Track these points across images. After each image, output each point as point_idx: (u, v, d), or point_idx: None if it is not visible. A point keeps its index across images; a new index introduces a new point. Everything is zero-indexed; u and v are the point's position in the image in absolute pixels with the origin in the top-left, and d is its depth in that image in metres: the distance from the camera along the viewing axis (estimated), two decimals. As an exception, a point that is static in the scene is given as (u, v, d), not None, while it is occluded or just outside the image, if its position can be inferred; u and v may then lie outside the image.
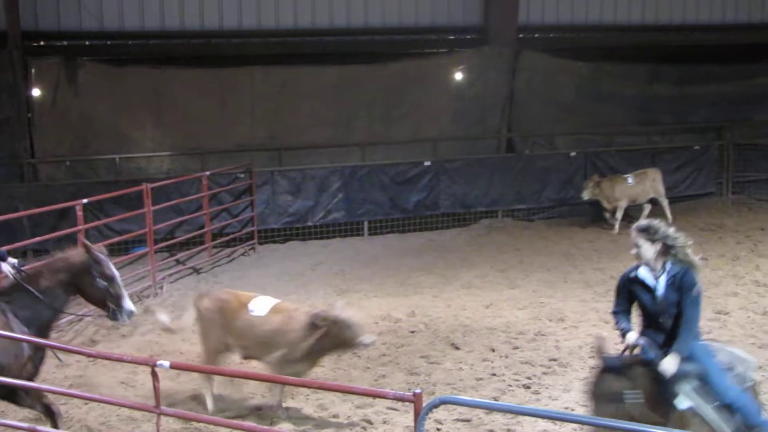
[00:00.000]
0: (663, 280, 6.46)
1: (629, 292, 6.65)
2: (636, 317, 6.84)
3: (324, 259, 16.67)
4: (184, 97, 18.91)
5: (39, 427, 7.07)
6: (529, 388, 9.48)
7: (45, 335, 7.84)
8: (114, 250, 14.57)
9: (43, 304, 7.72)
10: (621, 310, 6.72)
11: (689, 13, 22.55)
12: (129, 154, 18.66)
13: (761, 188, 20.98)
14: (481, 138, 20.90)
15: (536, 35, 21.41)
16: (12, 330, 7.48)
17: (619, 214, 18.29)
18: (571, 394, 9.09)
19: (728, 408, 6.16)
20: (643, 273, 6.55)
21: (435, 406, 5.46)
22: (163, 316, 9.79)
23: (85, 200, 13.32)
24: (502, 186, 19.52)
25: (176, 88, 18.95)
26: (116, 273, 8.04)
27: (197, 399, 9.45)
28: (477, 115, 20.75)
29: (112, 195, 14.92)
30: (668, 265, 6.46)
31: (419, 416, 5.38)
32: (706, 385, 6.21)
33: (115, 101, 18.51)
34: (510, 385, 9.60)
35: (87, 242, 8.14)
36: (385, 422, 8.70)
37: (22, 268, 7.95)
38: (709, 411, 6.13)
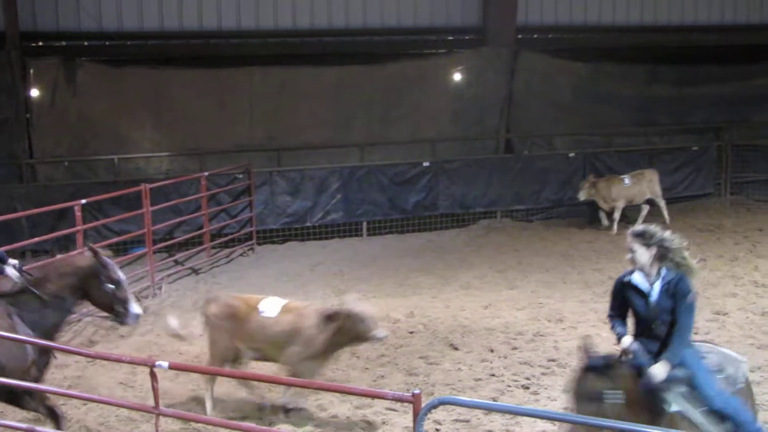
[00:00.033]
0: (657, 287, 6.40)
1: (623, 296, 6.61)
2: (630, 323, 6.83)
3: (323, 260, 16.67)
4: (183, 97, 18.90)
5: (38, 428, 7.07)
6: (527, 388, 9.48)
7: (51, 340, 7.83)
8: (113, 251, 14.55)
9: (50, 308, 7.74)
10: (616, 314, 6.69)
11: (688, 14, 22.57)
12: (128, 154, 18.65)
13: (759, 189, 21.00)
14: (479, 138, 20.91)
15: (535, 36, 21.41)
16: (17, 334, 7.48)
17: (616, 215, 18.30)
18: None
19: (717, 414, 6.14)
20: (637, 278, 6.49)
21: (434, 406, 5.47)
22: (174, 322, 9.75)
23: (83, 201, 13.32)
24: (500, 187, 19.53)
25: (175, 88, 18.95)
26: (123, 277, 8.11)
27: (196, 399, 9.45)
28: (476, 116, 20.75)
29: (111, 195, 14.92)
30: (663, 271, 6.41)
31: (418, 417, 5.38)
32: (694, 390, 6.19)
33: (113, 102, 18.50)
34: (509, 386, 9.60)
35: (94, 246, 8.16)
36: (384, 423, 8.70)
37: (24, 269, 7.95)
38: (697, 415, 6.11)
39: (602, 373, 5.95)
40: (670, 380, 6.17)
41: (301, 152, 19.62)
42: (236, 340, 8.97)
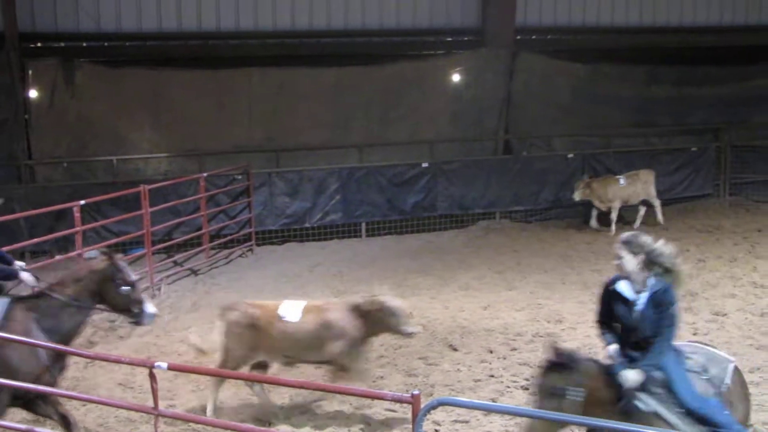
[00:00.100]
0: (644, 297, 6.36)
1: (609, 303, 6.61)
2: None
3: (322, 261, 16.66)
4: (182, 98, 18.90)
5: (37, 429, 7.06)
6: (527, 389, 9.46)
7: (68, 345, 7.85)
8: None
9: (68, 312, 7.76)
10: (605, 320, 6.68)
11: (686, 15, 22.59)
12: (126, 155, 18.65)
13: (758, 190, 21.01)
14: (478, 140, 20.92)
15: (533, 37, 21.42)
16: (33, 339, 7.50)
17: (614, 215, 18.32)
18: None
19: (694, 415, 6.14)
20: (623, 287, 6.45)
21: (433, 407, 5.46)
22: (195, 338, 9.72)
23: (82, 201, 13.33)
24: (499, 188, 19.53)
25: (174, 89, 18.95)
26: (136, 278, 8.18)
27: (195, 400, 9.45)
28: (474, 117, 20.76)
29: (110, 196, 14.94)
30: (651, 281, 6.36)
31: (417, 418, 5.38)
32: (670, 392, 6.19)
33: (112, 102, 18.50)
34: (508, 387, 9.60)
35: (109, 251, 8.21)
36: (383, 423, 8.70)
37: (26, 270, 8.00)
38: (672, 417, 6.11)
39: (566, 371, 5.95)
40: (645, 382, 6.18)
41: (300, 153, 19.63)
42: (258, 349, 8.94)
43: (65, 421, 7.73)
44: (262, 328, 8.86)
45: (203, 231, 16.49)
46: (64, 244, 14.82)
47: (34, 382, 7.39)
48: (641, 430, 5.39)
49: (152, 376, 6.49)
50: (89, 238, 15.06)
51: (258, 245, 17.66)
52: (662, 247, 6.47)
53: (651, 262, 6.37)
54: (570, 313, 12.34)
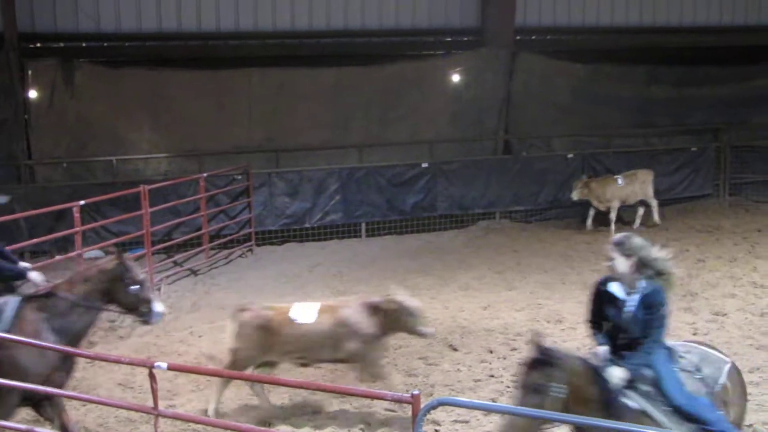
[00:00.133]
0: (635, 299, 6.35)
1: (600, 304, 6.60)
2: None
3: (321, 261, 16.66)
4: (181, 98, 18.90)
5: (37, 429, 7.05)
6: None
7: (78, 345, 7.89)
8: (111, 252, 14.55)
9: (77, 312, 7.77)
10: (596, 320, 6.68)
11: (686, 15, 22.58)
12: (126, 155, 18.64)
13: (758, 190, 21.02)
14: (478, 140, 20.92)
15: (533, 37, 21.42)
16: (42, 340, 7.49)
17: (612, 215, 18.33)
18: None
19: (682, 413, 6.14)
20: (615, 288, 6.46)
21: (433, 407, 5.46)
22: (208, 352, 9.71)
23: (82, 202, 13.31)
24: (499, 188, 19.53)
25: (173, 89, 18.94)
26: (144, 278, 8.22)
27: (195, 400, 9.45)
28: (474, 117, 20.75)
29: (110, 197, 14.93)
30: (642, 284, 6.35)
31: (417, 418, 5.38)
32: (659, 390, 6.19)
33: (111, 103, 18.49)
34: (508, 387, 9.57)
35: (118, 250, 8.24)
36: (383, 424, 8.70)
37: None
38: (658, 414, 6.10)
39: (548, 367, 5.94)
40: (633, 380, 6.18)
41: (300, 153, 19.63)
42: (269, 351, 8.94)
43: (64, 429, 7.73)
44: (273, 331, 8.86)
45: (203, 231, 16.49)
46: (64, 244, 14.82)
47: (44, 383, 7.40)
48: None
49: (152, 376, 6.49)
50: (89, 239, 15.06)
51: (258, 245, 17.66)
52: (655, 250, 6.46)
53: (643, 265, 6.36)
54: (570, 313, 12.33)
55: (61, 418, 7.75)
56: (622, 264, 6.40)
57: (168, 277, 15.14)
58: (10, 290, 7.88)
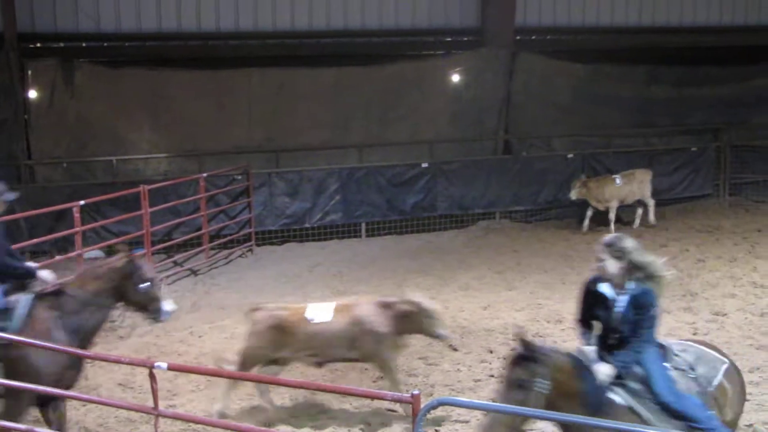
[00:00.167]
0: (624, 299, 6.34)
1: (590, 303, 6.59)
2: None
3: (321, 261, 16.66)
4: (181, 98, 18.89)
5: (37, 429, 7.05)
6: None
7: (89, 344, 7.91)
8: (111, 252, 14.55)
9: (89, 311, 7.78)
10: (584, 320, 6.67)
11: (686, 15, 22.58)
12: (126, 155, 18.64)
13: (758, 190, 21.03)
14: (478, 140, 20.92)
15: (533, 37, 21.41)
16: (53, 339, 7.52)
17: (612, 215, 18.33)
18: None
19: (670, 410, 6.13)
20: (605, 289, 6.45)
21: (433, 407, 5.45)
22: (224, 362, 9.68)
23: (82, 202, 13.32)
24: (499, 188, 19.53)
25: (173, 89, 18.94)
26: (154, 275, 8.25)
27: (195, 400, 9.45)
28: (474, 117, 20.75)
29: (110, 197, 14.93)
30: (631, 285, 6.34)
31: (417, 417, 5.37)
32: (648, 387, 6.19)
33: (112, 103, 18.48)
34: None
35: (128, 249, 8.27)
36: (383, 424, 8.70)
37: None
38: (645, 411, 6.10)
39: (532, 363, 5.94)
40: (622, 377, 6.18)
41: (300, 153, 19.63)
42: (285, 350, 8.96)
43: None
44: (287, 330, 8.88)
45: (203, 231, 16.49)
46: (64, 244, 14.80)
47: (56, 382, 7.42)
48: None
49: (152, 377, 6.48)
50: (89, 239, 15.06)
51: (258, 245, 17.65)
52: (645, 253, 6.44)
53: (633, 267, 6.35)
54: (570, 313, 12.24)
55: (61, 424, 7.77)
56: (612, 265, 6.39)
57: (168, 277, 15.13)
58: (22, 288, 7.85)
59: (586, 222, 18.42)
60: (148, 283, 8.02)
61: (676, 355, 6.49)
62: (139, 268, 8.00)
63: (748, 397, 8.06)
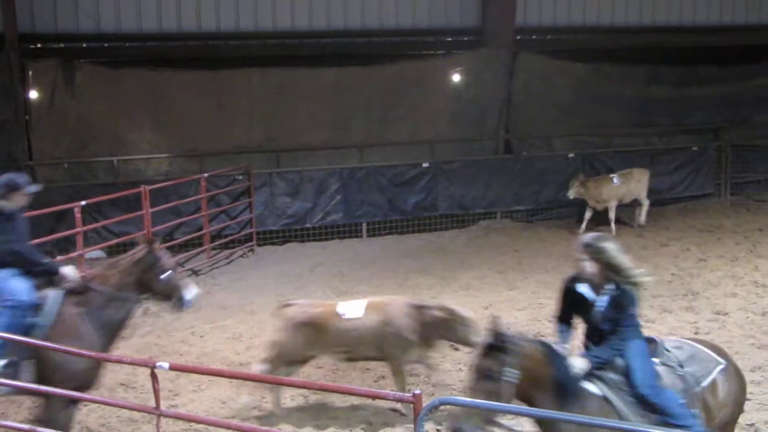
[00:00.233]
0: (604, 300, 6.33)
1: (571, 301, 6.59)
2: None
3: (322, 261, 16.66)
4: (182, 98, 18.89)
5: (39, 429, 7.05)
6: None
7: (115, 339, 7.97)
8: (112, 252, 14.57)
9: (114, 305, 7.82)
10: (563, 317, 6.66)
11: (687, 15, 22.58)
12: (127, 156, 18.64)
13: (759, 189, 21.05)
14: (478, 140, 20.91)
15: (533, 37, 21.41)
16: (82, 334, 7.58)
17: (611, 215, 18.32)
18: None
19: (647, 403, 6.11)
20: (584, 288, 6.45)
21: (434, 407, 5.45)
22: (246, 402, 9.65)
23: (83, 202, 13.34)
24: (500, 187, 19.53)
25: (174, 89, 18.93)
26: (174, 264, 8.32)
27: (197, 400, 9.45)
28: (475, 117, 20.75)
29: (111, 197, 14.94)
30: (611, 286, 6.32)
31: (419, 417, 5.38)
32: (627, 379, 6.18)
33: (112, 103, 18.47)
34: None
35: (148, 239, 8.32)
36: (384, 423, 8.70)
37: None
38: (619, 403, 6.08)
39: (501, 352, 5.92)
40: (598, 369, 6.17)
41: (300, 153, 19.63)
42: (315, 347, 8.98)
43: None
44: (319, 326, 8.87)
45: (204, 231, 16.49)
46: (65, 244, 14.82)
47: (87, 379, 7.53)
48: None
49: (154, 376, 6.48)
50: (90, 239, 15.08)
51: (259, 245, 17.66)
52: (623, 256, 6.37)
53: (610, 270, 6.32)
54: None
55: (68, 425, 7.78)
56: (590, 266, 6.37)
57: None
58: (49, 284, 7.86)
59: (584, 224, 18.36)
60: (170, 272, 8.07)
61: (668, 350, 6.46)
62: (160, 259, 8.04)
63: (749, 396, 8.07)
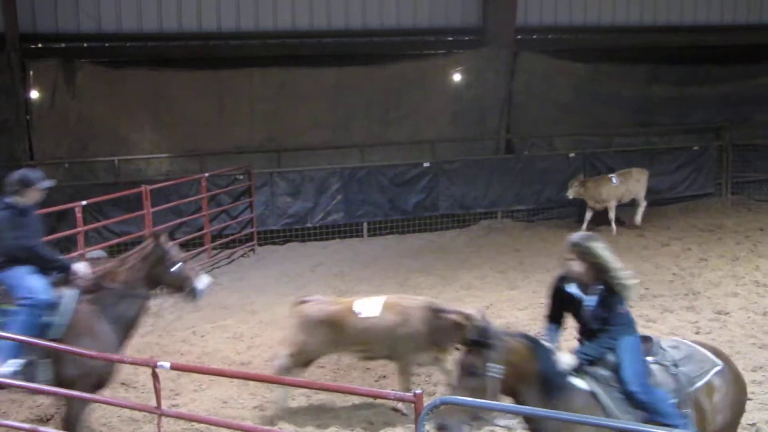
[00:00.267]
0: (593, 299, 6.32)
1: (561, 300, 6.57)
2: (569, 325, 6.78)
3: (323, 261, 16.66)
4: (183, 98, 18.89)
5: (40, 428, 7.06)
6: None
7: (131, 333, 8.03)
8: (113, 252, 14.57)
9: (127, 300, 7.86)
10: (553, 317, 6.64)
11: (687, 14, 22.59)
12: (128, 156, 18.65)
13: (760, 189, 21.04)
14: (479, 139, 20.92)
15: (534, 36, 21.42)
16: (98, 332, 7.63)
17: (611, 215, 18.33)
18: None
19: (635, 400, 6.08)
20: (573, 289, 6.43)
21: (436, 406, 5.44)
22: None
23: (84, 202, 13.36)
24: (501, 187, 19.53)
25: (174, 89, 18.94)
26: (183, 255, 8.35)
27: (198, 399, 9.45)
28: (475, 117, 20.75)
29: (111, 197, 14.93)
30: (599, 286, 6.30)
31: (420, 416, 5.37)
32: (617, 376, 6.16)
33: (113, 103, 18.48)
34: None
35: (154, 232, 8.32)
36: (386, 423, 8.70)
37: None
38: (606, 399, 6.07)
39: (484, 349, 5.90)
40: (588, 365, 6.16)
41: (301, 153, 19.63)
42: (334, 345, 8.97)
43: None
44: (337, 323, 8.85)
45: (205, 231, 16.49)
46: (66, 244, 14.79)
47: (104, 375, 7.61)
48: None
49: (155, 376, 6.48)
50: (91, 239, 15.07)
51: (260, 245, 17.66)
52: (610, 257, 6.33)
53: (597, 269, 6.30)
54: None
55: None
56: (577, 266, 6.36)
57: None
58: (64, 282, 7.88)
59: (585, 224, 18.33)
60: (180, 264, 8.09)
61: (663, 349, 6.44)
62: (168, 252, 8.06)
63: (750, 396, 8.07)
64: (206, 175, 16.55)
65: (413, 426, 5.48)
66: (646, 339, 6.48)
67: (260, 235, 17.78)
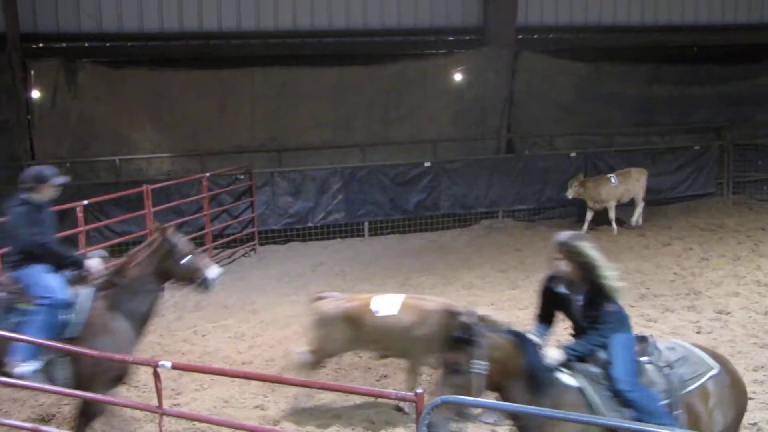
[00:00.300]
0: (581, 297, 6.33)
1: (550, 300, 6.56)
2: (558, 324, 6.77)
3: (324, 260, 16.66)
4: (184, 98, 18.89)
5: (42, 428, 7.06)
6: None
7: (144, 330, 8.01)
8: (114, 252, 14.57)
9: (139, 296, 7.85)
10: (543, 316, 6.64)
11: (688, 14, 22.58)
12: (129, 155, 18.65)
13: (761, 188, 21.03)
14: (480, 139, 20.91)
15: (535, 36, 21.41)
16: (114, 329, 7.64)
17: (612, 215, 18.32)
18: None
19: (623, 399, 6.06)
20: (561, 289, 6.42)
21: (437, 405, 5.45)
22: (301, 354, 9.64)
23: (85, 202, 13.34)
24: (502, 187, 19.53)
25: (175, 89, 18.94)
26: (192, 247, 8.29)
27: (199, 399, 9.45)
28: (476, 116, 20.75)
29: (113, 196, 14.95)
30: (585, 285, 6.30)
31: (421, 416, 5.37)
32: (607, 373, 6.15)
33: (114, 103, 18.48)
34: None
35: (160, 225, 8.27)
36: (387, 422, 8.70)
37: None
38: (594, 396, 6.05)
39: (468, 345, 5.89)
40: (576, 361, 6.15)
41: (302, 153, 19.63)
42: (350, 341, 8.96)
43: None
44: (355, 321, 8.84)
45: (206, 231, 16.49)
46: (67, 244, 14.80)
47: (122, 370, 7.65)
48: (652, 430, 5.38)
49: (156, 375, 6.48)
50: (92, 238, 15.07)
51: (261, 245, 17.67)
52: (597, 257, 6.32)
53: (584, 269, 6.30)
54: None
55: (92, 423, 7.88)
56: (565, 265, 6.36)
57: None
58: (79, 280, 7.89)
59: (586, 224, 18.32)
60: (189, 256, 8.06)
61: (658, 349, 6.41)
62: (176, 245, 8.04)
63: (752, 395, 8.07)
64: (207, 174, 16.56)
65: (414, 425, 5.47)
66: (642, 339, 6.46)
67: (261, 235, 17.79)
